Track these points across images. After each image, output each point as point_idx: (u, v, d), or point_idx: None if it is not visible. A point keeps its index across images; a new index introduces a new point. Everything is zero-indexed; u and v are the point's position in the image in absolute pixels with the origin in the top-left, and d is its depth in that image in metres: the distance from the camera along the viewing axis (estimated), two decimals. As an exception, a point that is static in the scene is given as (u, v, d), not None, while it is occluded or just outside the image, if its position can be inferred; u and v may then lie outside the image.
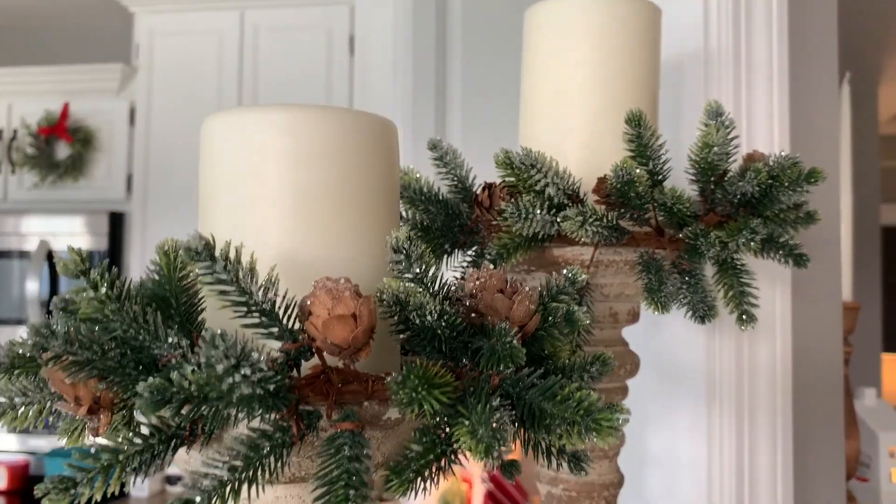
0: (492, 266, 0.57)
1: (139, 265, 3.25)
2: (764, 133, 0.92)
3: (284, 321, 0.43)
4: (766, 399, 0.91)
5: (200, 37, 3.27)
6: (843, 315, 1.42)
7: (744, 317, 0.67)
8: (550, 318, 0.54)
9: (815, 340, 1.01)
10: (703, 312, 0.64)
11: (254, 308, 0.42)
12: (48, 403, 0.46)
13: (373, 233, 0.52)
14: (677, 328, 0.92)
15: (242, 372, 0.35)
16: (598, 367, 0.53)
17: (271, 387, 0.36)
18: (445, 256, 0.72)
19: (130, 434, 0.42)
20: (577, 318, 0.53)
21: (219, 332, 0.35)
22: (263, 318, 0.42)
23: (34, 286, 3.18)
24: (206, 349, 0.34)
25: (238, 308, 0.42)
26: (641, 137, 0.64)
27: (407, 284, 0.47)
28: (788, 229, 0.73)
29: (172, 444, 0.43)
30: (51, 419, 0.47)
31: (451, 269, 0.71)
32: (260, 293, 0.42)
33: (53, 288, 3.25)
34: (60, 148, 3.34)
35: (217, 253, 0.42)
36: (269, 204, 0.49)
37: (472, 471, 2.03)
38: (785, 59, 0.92)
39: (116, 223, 3.30)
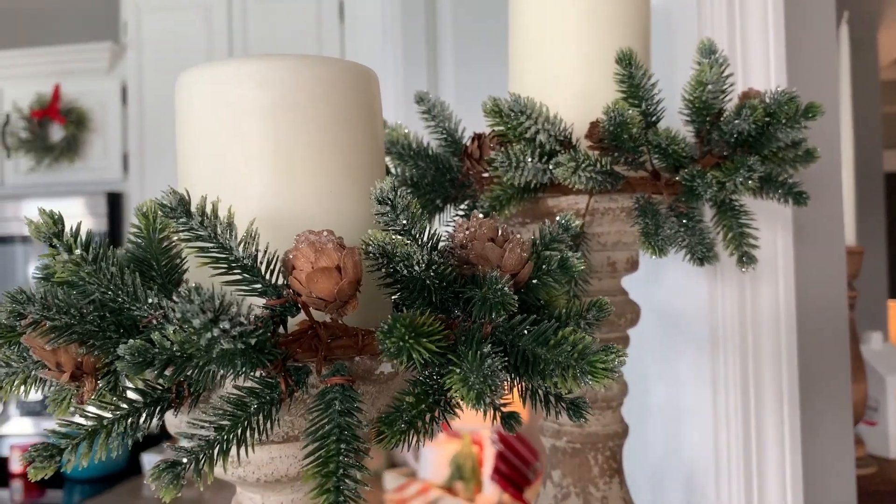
0: (482, 216, 0.56)
1: (140, 244, 3.24)
2: (760, 74, 0.89)
3: (267, 276, 0.42)
4: (770, 344, 0.89)
5: (188, 11, 3.23)
6: (848, 259, 1.40)
7: (744, 258, 0.65)
8: (544, 266, 0.52)
9: (818, 284, 0.99)
10: (701, 254, 0.62)
11: (234, 264, 0.40)
12: (32, 372, 0.44)
13: (357, 184, 0.50)
14: (679, 276, 0.91)
15: (221, 326, 0.34)
16: (595, 314, 0.52)
17: (253, 341, 0.35)
18: (437, 212, 0.70)
19: (115, 399, 0.40)
20: (571, 264, 0.51)
21: (194, 285, 0.34)
22: (245, 275, 0.41)
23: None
24: (182, 304, 0.33)
25: (218, 265, 0.40)
26: (633, 77, 0.62)
27: (394, 236, 0.46)
28: (788, 168, 0.72)
29: (158, 407, 0.42)
30: (37, 390, 0.46)
31: (444, 225, 0.70)
32: (240, 248, 0.41)
33: (56, 271, 3.25)
34: (54, 130, 3.31)
35: (193, 208, 0.40)
36: (248, 158, 0.48)
37: (483, 433, 2.03)
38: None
39: (115, 203, 3.29)
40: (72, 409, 0.43)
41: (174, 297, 0.33)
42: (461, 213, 0.69)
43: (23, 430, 3.22)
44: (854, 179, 1.46)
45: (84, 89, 3.32)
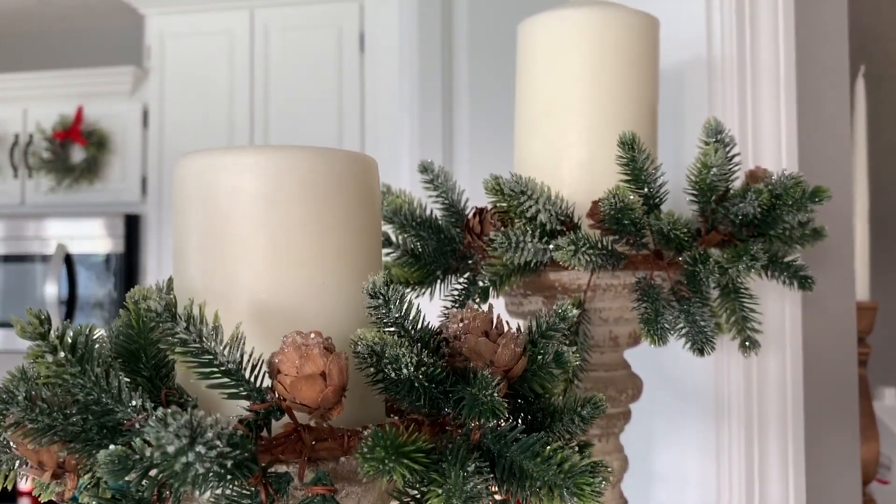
0: (476, 306, 0.55)
1: (155, 267, 3.26)
2: (771, 143, 0.89)
3: (253, 379, 0.41)
4: (776, 414, 0.88)
5: (211, 37, 3.27)
6: (860, 315, 1.38)
7: (747, 343, 0.64)
8: (540, 358, 0.52)
9: (827, 348, 0.98)
10: (700, 344, 0.61)
11: (218, 368, 0.40)
12: (16, 465, 0.44)
13: (352, 275, 0.50)
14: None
15: (196, 450, 0.33)
16: (590, 410, 0.51)
17: (229, 463, 0.35)
18: (438, 282, 0.70)
19: (94, 502, 0.40)
20: (566, 359, 0.51)
21: (170, 410, 0.33)
22: (229, 379, 0.40)
23: (53, 289, 3.20)
24: (157, 429, 0.33)
25: (202, 369, 0.40)
26: (636, 161, 0.61)
27: (383, 334, 0.45)
28: (795, 247, 0.71)
29: (139, 508, 0.41)
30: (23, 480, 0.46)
31: (443, 297, 0.69)
32: (225, 352, 0.40)
33: (72, 291, 3.27)
34: (75, 151, 3.35)
35: (180, 311, 0.40)
36: (243, 249, 0.47)
37: None
38: (792, 66, 0.89)
39: (132, 225, 3.32)
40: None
41: (150, 422, 0.33)
42: (461, 285, 0.69)
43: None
44: (869, 234, 1.44)
45: (106, 112, 3.35)
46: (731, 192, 0.68)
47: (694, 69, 0.88)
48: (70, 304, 3.28)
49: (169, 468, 0.33)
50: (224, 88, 3.22)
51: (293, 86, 3.16)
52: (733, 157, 0.67)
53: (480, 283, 0.68)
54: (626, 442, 0.80)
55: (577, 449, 0.54)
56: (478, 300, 0.67)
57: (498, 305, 0.78)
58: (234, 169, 0.48)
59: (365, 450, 0.37)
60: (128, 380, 0.46)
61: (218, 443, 0.34)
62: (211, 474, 0.34)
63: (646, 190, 0.62)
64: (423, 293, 0.71)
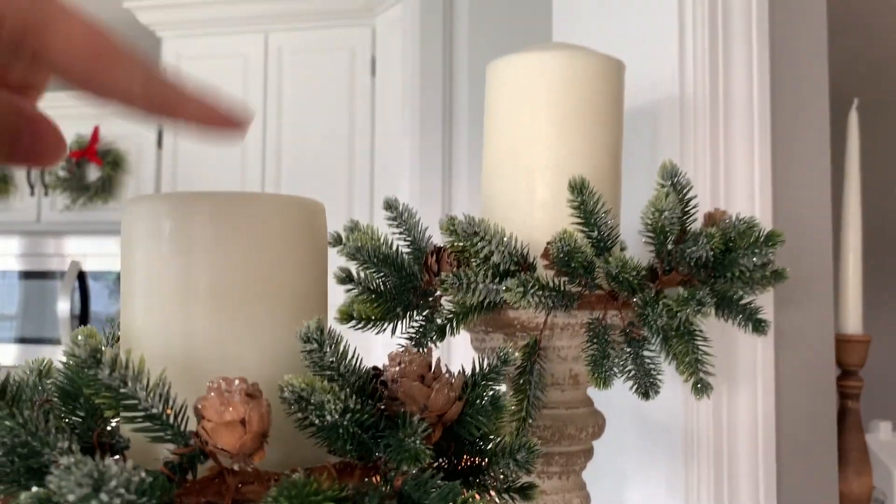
0: (415, 349, 0.56)
1: (167, 285, 3.30)
2: (744, 181, 0.89)
3: (176, 424, 0.42)
4: (746, 452, 0.88)
5: (226, 60, 3.32)
6: (852, 349, 1.37)
7: (699, 385, 0.64)
8: (478, 402, 0.52)
9: (802, 381, 0.97)
10: (645, 388, 0.62)
11: (142, 413, 0.41)
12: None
13: (294, 319, 0.51)
14: (655, 380, 0.90)
15: (100, 498, 0.34)
16: (524, 455, 0.52)
17: (136, 510, 0.36)
18: (397, 320, 0.71)
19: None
20: (502, 403, 0.51)
21: (73, 460, 0.35)
22: (152, 423, 0.41)
23: (65, 305, 3.25)
24: (59, 478, 0.34)
25: (127, 412, 0.41)
26: (586, 204, 0.62)
27: (313, 379, 0.46)
28: (756, 289, 0.71)
29: (66, 548, 0.42)
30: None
31: (401, 335, 0.70)
32: (150, 397, 0.42)
33: (84, 307, 3.31)
34: (91, 170, 3.41)
35: (106, 358, 0.41)
36: (183, 292, 0.49)
37: None
38: (766, 103, 0.89)
39: (145, 243, 3.35)
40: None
41: (53, 471, 0.34)
42: (417, 322, 0.69)
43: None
44: (861, 268, 1.43)
45: (122, 132, 3.41)
46: (689, 233, 0.68)
47: (667, 108, 0.89)
48: (83, 320, 3.32)
49: (74, 515, 0.34)
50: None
51: (306, 107, 3.20)
52: (689, 199, 0.67)
53: (438, 321, 0.69)
54: (598, 483, 0.81)
55: (514, 491, 0.55)
56: (434, 338, 0.68)
57: (464, 338, 0.79)
58: (178, 213, 0.49)
59: (269, 499, 0.38)
60: (68, 418, 0.48)
61: (122, 491, 0.35)
62: (118, 521, 0.36)
63: (596, 233, 0.63)
64: (385, 329, 0.72)
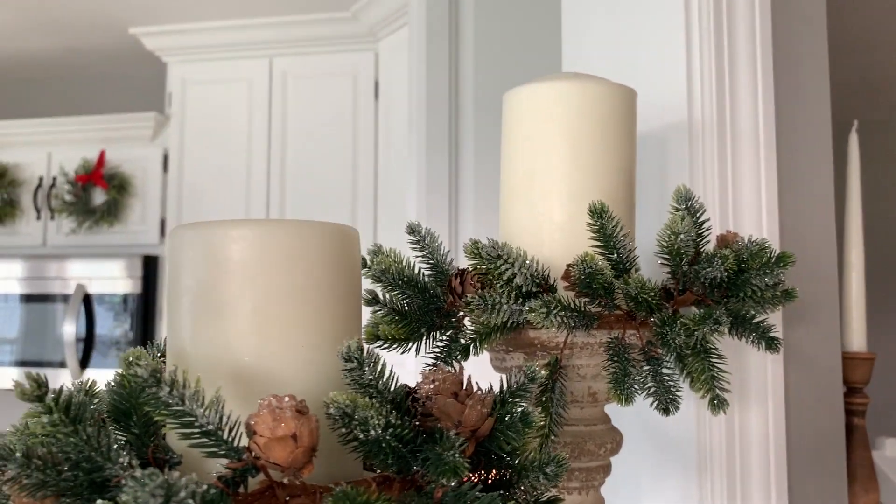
0: (458, 363, 0.59)
1: (172, 308, 3.32)
2: (751, 204, 0.92)
3: (230, 440, 0.45)
4: (759, 468, 0.90)
5: (231, 85, 3.37)
6: (857, 366, 1.40)
7: (715, 401, 0.67)
8: (507, 418, 0.55)
9: (811, 398, 1.00)
10: (665, 404, 0.64)
11: (199, 429, 0.44)
12: (13, 516, 0.48)
13: (330, 340, 0.53)
14: (668, 397, 0.92)
15: (171, 508, 0.37)
16: (553, 469, 0.54)
17: (202, 519, 0.38)
18: (422, 340, 0.73)
19: (83, 552, 0.44)
20: (531, 419, 0.54)
21: (147, 472, 0.37)
22: (208, 439, 0.44)
23: (71, 329, 3.27)
24: (134, 489, 0.36)
25: (184, 430, 0.44)
26: (605, 228, 0.65)
27: (355, 396, 0.49)
28: (767, 308, 0.74)
29: (125, 559, 0.45)
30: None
31: (425, 354, 0.73)
32: (206, 414, 0.44)
33: (90, 330, 3.33)
34: (97, 194, 3.44)
35: (165, 376, 0.44)
36: (228, 314, 0.51)
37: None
38: (772, 128, 0.92)
39: (150, 266, 3.38)
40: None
41: (128, 482, 0.37)
42: (443, 342, 0.72)
43: None
44: (865, 286, 1.46)
45: (127, 156, 3.45)
46: (703, 254, 0.71)
47: (676, 133, 0.92)
48: (88, 343, 3.34)
49: (146, 524, 0.37)
50: (242, 134, 3.31)
51: (310, 131, 3.24)
52: (703, 222, 0.70)
53: (462, 341, 0.71)
54: (615, 496, 0.83)
55: (542, 504, 0.57)
56: (459, 357, 0.70)
57: (484, 360, 0.82)
58: (223, 240, 0.52)
59: (325, 508, 0.41)
60: (121, 436, 0.50)
61: (191, 501, 0.37)
62: (185, 530, 0.38)
63: (615, 256, 0.65)
64: (409, 349, 0.74)
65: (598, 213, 0.65)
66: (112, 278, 3.36)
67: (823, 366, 1.07)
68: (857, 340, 1.45)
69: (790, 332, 1.01)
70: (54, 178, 3.51)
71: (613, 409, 0.82)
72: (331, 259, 0.54)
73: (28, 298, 3.44)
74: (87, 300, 3.35)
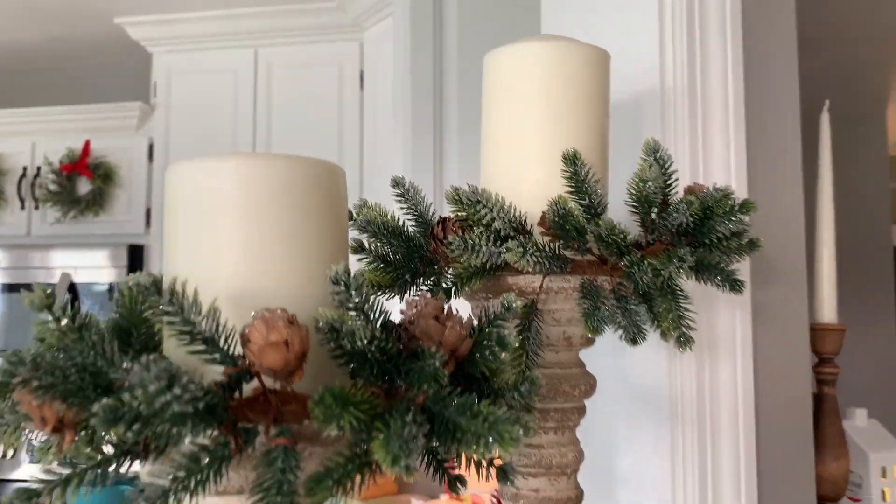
0: (429, 295, 0.62)
1: (157, 297, 3.33)
2: (721, 168, 0.96)
3: (226, 348, 0.48)
4: (728, 420, 0.94)
5: (216, 75, 3.38)
6: (827, 337, 1.45)
7: (681, 338, 0.71)
8: (486, 342, 0.58)
9: (778, 361, 1.04)
10: (632, 335, 0.68)
11: (197, 336, 0.47)
12: (21, 424, 0.51)
13: (319, 266, 0.57)
14: (642, 349, 0.96)
15: (174, 392, 0.40)
16: (527, 387, 0.58)
17: (202, 405, 0.41)
18: (407, 286, 0.77)
19: (89, 450, 0.47)
20: (507, 341, 0.58)
21: (151, 357, 0.40)
22: (205, 346, 0.47)
23: (56, 318, 3.27)
24: (139, 372, 0.40)
25: (183, 336, 0.47)
26: (578, 175, 0.69)
27: (343, 313, 0.52)
28: (732, 256, 0.78)
29: (128, 458, 0.48)
30: (25, 439, 0.53)
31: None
32: (203, 323, 0.47)
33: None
34: (82, 184, 3.45)
35: (165, 287, 0.47)
36: (221, 243, 0.55)
37: (483, 496, 2.06)
38: (741, 96, 0.97)
39: (136, 256, 3.40)
40: (52, 458, 0.50)
41: (134, 366, 0.40)
42: (426, 287, 0.76)
43: (33, 475, 3.27)
44: (836, 258, 1.51)
45: (113, 145, 3.46)
46: (671, 205, 0.75)
47: (649, 99, 0.96)
48: (73, 333, 3.34)
49: (150, 409, 0.40)
50: (228, 124, 3.33)
51: (295, 122, 3.27)
52: (671, 172, 0.74)
53: (444, 285, 0.75)
54: (593, 446, 0.87)
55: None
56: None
57: (465, 309, 0.85)
58: (215, 174, 0.55)
59: (316, 397, 0.44)
60: (123, 350, 0.54)
61: (192, 386, 0.41)
62: (187, 416, 0.41)
63: (586, 200, 0.69)
64: (394, 295, 0.78)
65: (571, 160, 0.69)
66: (97, 267, 3.37)
67: (791, 333, 1.11)
68: (828, 312, 1.50)
69: (759, 295, 1.05)
70: (39, 168, 3.52)
71: (590, 362, 0.86)
72: (318, 191, 0.58)
73: (7, 288, 3.44)
74: (73, 289, 3.36)
